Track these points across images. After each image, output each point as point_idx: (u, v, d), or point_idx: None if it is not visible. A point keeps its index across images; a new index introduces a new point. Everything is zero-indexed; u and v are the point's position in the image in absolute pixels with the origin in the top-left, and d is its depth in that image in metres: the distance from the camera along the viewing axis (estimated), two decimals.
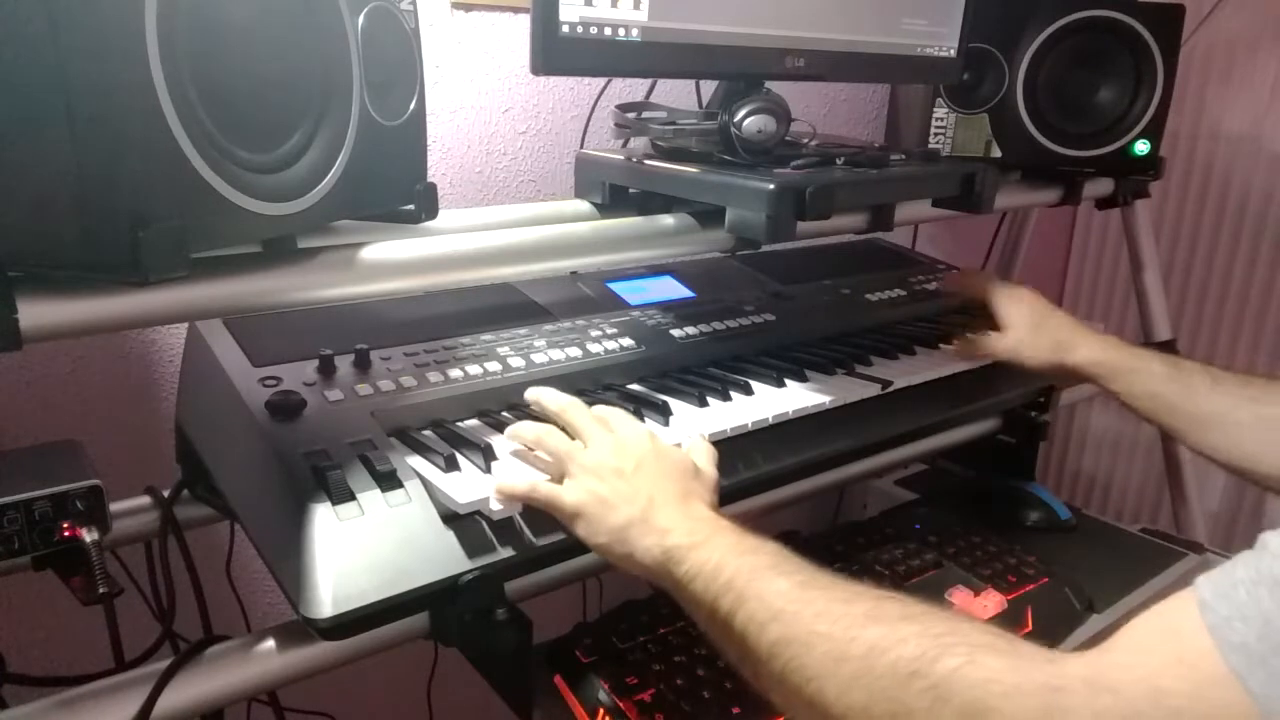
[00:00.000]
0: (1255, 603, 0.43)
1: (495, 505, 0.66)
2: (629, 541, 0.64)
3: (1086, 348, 0.96)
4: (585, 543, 0.67)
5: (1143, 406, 0.93)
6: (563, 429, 0.72)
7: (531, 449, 0.72)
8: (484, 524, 0.67)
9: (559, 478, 0.69)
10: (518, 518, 0.68)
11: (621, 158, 0.97)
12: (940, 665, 0.49)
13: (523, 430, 0.72)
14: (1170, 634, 0.46)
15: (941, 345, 1.07)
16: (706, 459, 0.73)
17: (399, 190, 0.74)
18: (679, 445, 0.75)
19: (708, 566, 0.60)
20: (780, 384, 0.91)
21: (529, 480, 0.68)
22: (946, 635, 0.51)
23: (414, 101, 0.73)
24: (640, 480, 0.66)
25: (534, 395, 0.76)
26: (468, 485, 0.67)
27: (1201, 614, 0.44)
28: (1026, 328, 0.99)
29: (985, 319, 1.04)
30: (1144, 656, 0.46)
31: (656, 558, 0.63)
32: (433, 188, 0.76)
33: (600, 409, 0.75)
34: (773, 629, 0.56)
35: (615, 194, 0.95)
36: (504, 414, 0.80)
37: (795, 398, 0.88)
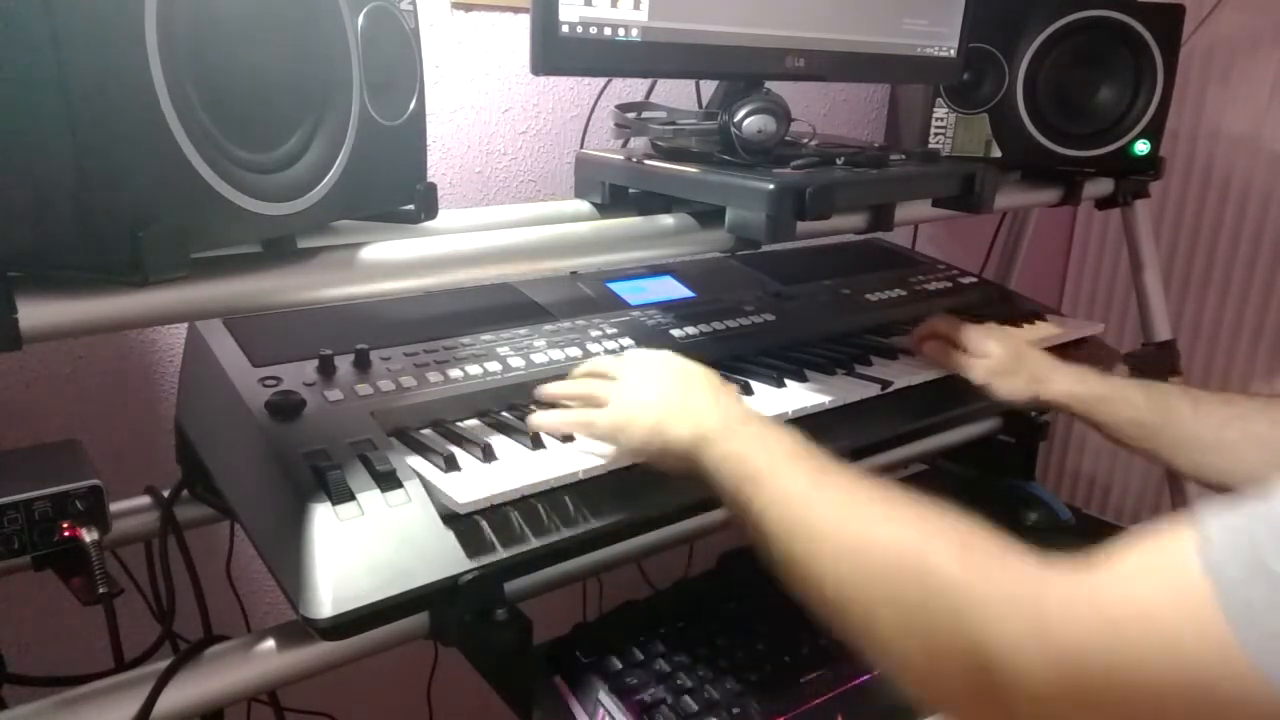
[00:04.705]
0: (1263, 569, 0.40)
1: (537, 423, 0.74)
2: (664, 432, 0.69)
3: (1062, 381, 0.96)
4: (628, 452, 0.72)
5: (1128, 435, 0.91)
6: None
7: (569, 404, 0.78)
8: (484, 524, 0.67)
9: None
10: (517, 517, 0.68)
11: (621, 158, 0.96)
12: (933, 560, 0.52)
13: (555, 388, 0.79)
14: (1175, 590, 0.44)
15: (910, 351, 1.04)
16: None
17: (399, 190, 0.74)
18: None
19: (734, 455, 0.65)
20: (780, 384, 0.90)
21: (564, 414, 0.75)
22: (947, 531, 0.54)
23: (414, 101, 0.73)
24: (674, 381, 0.73)
25: (544, 390, 0.80)
26: (467, 485, 0.67)
27: (1212, 578, 0.42)
28: (1002, 359, 0.98)
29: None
30: (1144, 601, 0.45)
31: (687, 443, 0.68)
32: (433, 188, 0.76)
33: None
34: (784, 517, 0.60)
35: (615, 194, 0.95)
36: (504, 414, 0.80)
37: (795, 398, 0.88)
